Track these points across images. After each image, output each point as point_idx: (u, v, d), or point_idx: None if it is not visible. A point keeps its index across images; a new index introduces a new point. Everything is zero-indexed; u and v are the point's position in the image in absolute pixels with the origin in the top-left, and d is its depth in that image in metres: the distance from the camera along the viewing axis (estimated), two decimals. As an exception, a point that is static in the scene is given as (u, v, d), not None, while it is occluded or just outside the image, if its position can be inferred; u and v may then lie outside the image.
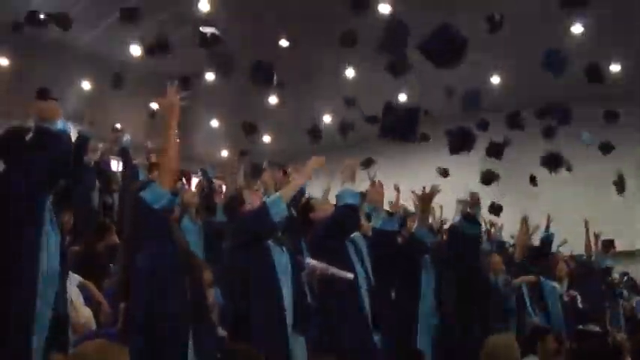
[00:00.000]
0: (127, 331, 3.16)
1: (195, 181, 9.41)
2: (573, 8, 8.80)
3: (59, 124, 3.20)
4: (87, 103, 12.59)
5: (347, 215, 4.42)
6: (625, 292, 10.57)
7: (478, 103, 9.52)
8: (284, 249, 3.86)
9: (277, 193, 3.91)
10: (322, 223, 4.54)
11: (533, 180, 11.75)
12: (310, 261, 4.08)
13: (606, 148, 10.76)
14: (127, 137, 8.41)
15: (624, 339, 6.44)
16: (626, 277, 11.39)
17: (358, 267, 4.47)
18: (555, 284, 7.09)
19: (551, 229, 8.14)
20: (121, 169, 8.72)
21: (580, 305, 7.32)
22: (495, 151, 10.30)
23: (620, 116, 10.83)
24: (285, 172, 10.06)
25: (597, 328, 6.50)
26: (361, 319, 4.32)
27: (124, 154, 8.27)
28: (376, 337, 4.44)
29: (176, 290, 3.18)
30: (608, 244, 9.06)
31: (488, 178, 10.98)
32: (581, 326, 6.79)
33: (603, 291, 8.23)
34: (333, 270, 4.08)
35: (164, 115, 3.43)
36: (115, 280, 4.54)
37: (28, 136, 3.17)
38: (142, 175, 7.85)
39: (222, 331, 3.85)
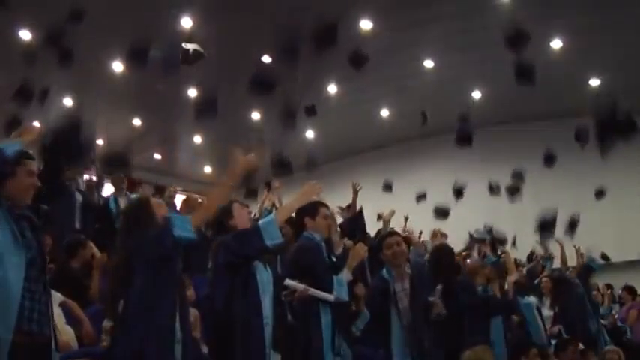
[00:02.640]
0: (117, 348, 3.15)
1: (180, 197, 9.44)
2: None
3: (9, 146, 3.22)
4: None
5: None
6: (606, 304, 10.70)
7: (532, 78, 9.02)
8: (267, 267, 3.83)
9: (271, 216, 3.81)
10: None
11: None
12: (289, 282, 4.08)
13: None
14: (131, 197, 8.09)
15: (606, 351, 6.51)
16: (609, 291, 11.46)
17: None
18: (531, 299, 7.10)
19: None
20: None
21: (564, 335, 7.35)
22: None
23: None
24: (269, 187, 10.13)
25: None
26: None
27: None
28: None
29: (170, 311, 3.22)
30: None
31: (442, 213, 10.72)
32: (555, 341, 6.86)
33: (584, 304, 8.27)
34: (313, 291, 4.08)
35: (237, 169, 3.52)
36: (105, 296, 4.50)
37: None
38: (113, 204, 7.87)
39: (204, 348, 3.85)
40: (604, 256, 9.80)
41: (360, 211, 8.55)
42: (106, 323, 4.63)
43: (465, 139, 9.86)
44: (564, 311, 7.86)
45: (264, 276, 3.74)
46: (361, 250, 4.78)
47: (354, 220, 8.40)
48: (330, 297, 4.19)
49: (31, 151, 3.58)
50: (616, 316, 9.81)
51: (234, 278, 3.63)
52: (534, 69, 8.46)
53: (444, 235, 9.13)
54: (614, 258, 11.72)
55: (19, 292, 2.93)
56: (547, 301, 8.10)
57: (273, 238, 3.60)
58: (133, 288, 3.16)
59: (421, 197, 10.98)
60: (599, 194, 10.61)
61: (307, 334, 4.19)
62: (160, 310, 3.17)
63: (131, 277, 3.18)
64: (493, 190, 10.85)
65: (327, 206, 4.90)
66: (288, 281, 4.09)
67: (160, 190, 10.40)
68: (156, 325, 3.13)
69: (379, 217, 8.92)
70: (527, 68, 8.44)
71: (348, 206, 9.07)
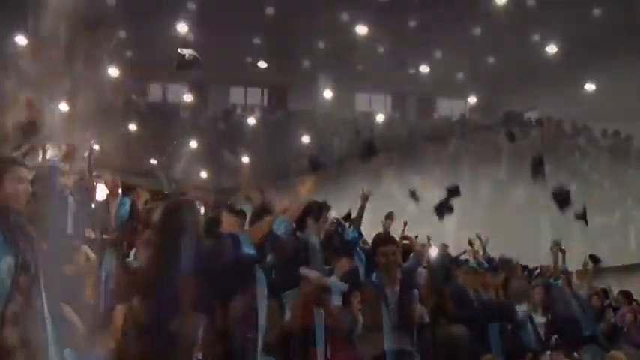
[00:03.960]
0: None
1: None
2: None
3: None
4: (64, 124, 12.54)
5: None
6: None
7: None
8: (262, 270, 3.85)
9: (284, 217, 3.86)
10: None
11: None
12: (305, 271, 4.10)
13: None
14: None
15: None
16: (608, 300, 11.44)
17: None
18: (524, 308, 7.11)
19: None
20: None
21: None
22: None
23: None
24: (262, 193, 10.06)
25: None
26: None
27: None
28: None
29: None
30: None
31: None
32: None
33: (577, 310, 8.28)
34: (326, 280, 4.10)
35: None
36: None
37: None
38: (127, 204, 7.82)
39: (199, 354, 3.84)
40: (593, 258, 9.75)
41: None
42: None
43: (447, 209, 9.50)
44: (557, 317, 7.88)
45: (260, 277, 3.77)
46: (345, 264, 4.91)
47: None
48: (345, 286, 4.21)
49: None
50: (612, 320, 9.81)
51: (234, 281, 3.63)
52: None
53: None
54: (611, 262, 11.76)
55: (6, 295, 2.92)
56: (539, 309, 8.10)
57: (279, 228, 3.63)
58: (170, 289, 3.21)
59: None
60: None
61: (301, 334, 4.23)
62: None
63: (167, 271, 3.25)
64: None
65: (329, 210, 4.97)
66: (303, 270, 4.10)
67: (155, 195, 10.36)
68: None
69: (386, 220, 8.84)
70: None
71: (347, 216, 8.96)
